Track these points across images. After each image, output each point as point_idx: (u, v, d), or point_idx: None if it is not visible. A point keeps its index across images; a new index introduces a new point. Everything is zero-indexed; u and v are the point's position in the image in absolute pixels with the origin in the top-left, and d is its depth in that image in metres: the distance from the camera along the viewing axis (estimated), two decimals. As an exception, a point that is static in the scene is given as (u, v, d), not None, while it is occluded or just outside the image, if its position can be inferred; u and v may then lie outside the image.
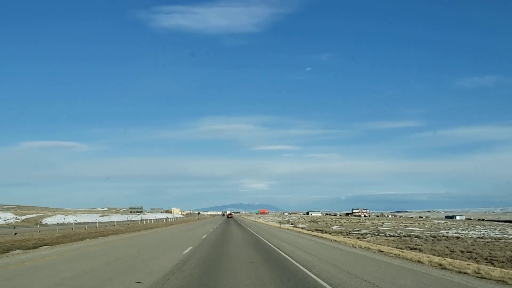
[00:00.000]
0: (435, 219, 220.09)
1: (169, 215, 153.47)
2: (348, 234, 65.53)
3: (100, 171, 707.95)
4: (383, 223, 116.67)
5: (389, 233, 73.35)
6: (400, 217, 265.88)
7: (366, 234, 68.32)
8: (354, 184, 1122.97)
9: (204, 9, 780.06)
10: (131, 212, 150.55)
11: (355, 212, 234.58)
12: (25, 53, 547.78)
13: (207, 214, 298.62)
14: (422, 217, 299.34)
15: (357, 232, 72.65)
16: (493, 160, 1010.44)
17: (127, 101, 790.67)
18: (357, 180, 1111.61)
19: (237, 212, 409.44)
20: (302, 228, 75.57)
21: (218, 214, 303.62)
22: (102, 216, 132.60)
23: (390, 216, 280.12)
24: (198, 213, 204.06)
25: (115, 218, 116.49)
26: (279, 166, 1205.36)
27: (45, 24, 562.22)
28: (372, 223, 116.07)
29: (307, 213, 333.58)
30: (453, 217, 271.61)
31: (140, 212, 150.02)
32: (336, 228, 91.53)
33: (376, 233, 70.44)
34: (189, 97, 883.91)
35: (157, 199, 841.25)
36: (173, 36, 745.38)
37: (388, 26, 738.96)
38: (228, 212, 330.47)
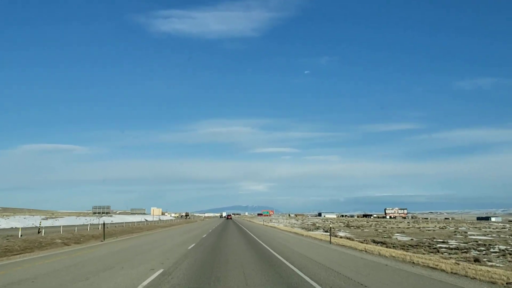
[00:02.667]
0: (466, 222, 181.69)
1: (149, 218, 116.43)
2: (436, 251, 32.49)
3: (99, 174, 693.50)
4: (458, 227, 78.63)
5: (501, 247, 37.61)
6: (426, 219, 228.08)
7: (468, 249, 34.94)
8: (353, 186, 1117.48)
9: (202, 14, 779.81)
10: (94, 213, 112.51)
11: (388, 213, 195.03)
12: (24, 56, 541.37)
13: (203, 216, 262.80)
14: (448, 218, 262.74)
15: (447, 247, 37.11)
16: (491, 162, 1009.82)
17: (126, 104, 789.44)
18: (356, 182, 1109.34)
19: (237, 214, 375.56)
20: (348, 238, 39.83)
21: (216, 216, 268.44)
22: (46, 218, 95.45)
23: (411, 217, 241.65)
24: (186, 215, 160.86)
25: (63, 221, 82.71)
26: (278, 169, 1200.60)
27: (44, 28, 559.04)
28: (441, 227, 77.97)
29: (319, 214, 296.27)
30: (487, 218, 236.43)
31: (107, 213, 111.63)
32: (399, 237, 54.44)
33: (483, 249, 36.09)
34: (188, 100, 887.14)
35: (156, 202, 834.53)
36: (171, 40, 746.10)
37: (386, 30, 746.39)
38: (224, 214, 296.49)
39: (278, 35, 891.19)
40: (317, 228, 79.64)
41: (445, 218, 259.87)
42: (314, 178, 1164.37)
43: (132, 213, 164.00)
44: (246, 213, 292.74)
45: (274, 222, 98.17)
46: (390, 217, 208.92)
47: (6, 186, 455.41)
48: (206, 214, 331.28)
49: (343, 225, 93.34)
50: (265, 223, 79.78)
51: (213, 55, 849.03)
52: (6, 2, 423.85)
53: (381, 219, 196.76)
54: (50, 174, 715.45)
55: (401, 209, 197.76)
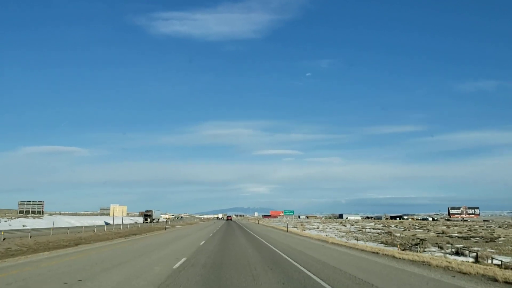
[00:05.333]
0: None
1: (111, 220, 77.69)
2: None
3: (100, 176, 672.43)
4: None
5: None
6: (486, 221, 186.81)
7: None
8: (355, 188, 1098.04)
9: (204, 16, 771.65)
10: (20, 212, 72.56)
11: (454, 214, 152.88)
12: (24, 58, 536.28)
13: (202, 218, 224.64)
14: (488, 220, 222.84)
15: None
16: (495, 164, 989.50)
17: (127, 106, 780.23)
18: (358, 184, 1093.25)
19: (240, 215, 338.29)
20: None
21: (221, 218, 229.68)
22: None
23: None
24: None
25: None
26: (280, 171, 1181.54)
27: (45, 30, 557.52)
28: None
29: (340, 216, 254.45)
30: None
31: (38, 212, 71.63)
32: None
33: None
34: (190, 102, 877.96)
35: (158, 204, 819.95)
36: (173, 42, 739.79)
37: (388, 32, 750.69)
38: (221, 216, 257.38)
39: (279, 37, 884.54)
40: (418, 246, 39.40)
41: (484, 220, 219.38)
42: (315, 180, 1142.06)
43: (101, 214, 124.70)
44: (256, 214, 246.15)
45: (309, 228, 57.62)
46: (441, 219, 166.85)
47: (7, 187, 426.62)
48: (206, 216, 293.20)
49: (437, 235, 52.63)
50: (312, 234, 38.98)
51: (214, 57, 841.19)
52: (5, 4, 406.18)
53: (423, 221, 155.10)
54: (51, 176, 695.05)
55: (470, 208, 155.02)
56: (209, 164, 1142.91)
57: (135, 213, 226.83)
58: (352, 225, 79.48)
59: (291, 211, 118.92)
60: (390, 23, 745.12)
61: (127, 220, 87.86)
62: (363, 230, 57.51)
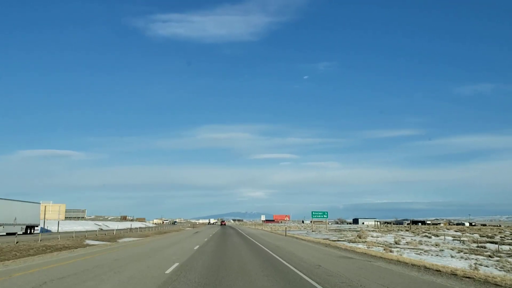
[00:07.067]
0: None
1: (54, 224, 50.56)
2: None
3: (97, 180, 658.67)
4: None
5: None
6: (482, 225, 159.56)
7: None
8: (352, 192, 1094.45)
9: (201, 18, 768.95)
10: None
11: None
12: (21, 61, 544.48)
13: (197, 223, 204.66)
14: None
15: None
16: (493, 169, 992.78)
17: (124, 109, 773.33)
18: (355, 188, 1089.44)
19: (239, 220, 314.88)
20: None
21: (213, 224, 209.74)
22: None
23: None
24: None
25: None
26: (277, 175, 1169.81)
27: (41, 33, 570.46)
28: None
29: (355, 221, 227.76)
30: None
31: None
32: None
33: None
34: (186, 106, 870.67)
35: (154, 209, 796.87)
36: (170, 45, 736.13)
37: (386, 35, 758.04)
38: (213, 221, 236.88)
39: (277, 39, 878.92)
40: None
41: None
42: (313, 185, 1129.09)
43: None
44: (263, 218, 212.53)
45: (385, 245, 30.94)
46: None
47: (4, 191, 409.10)
48: (201, 221, 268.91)
49: None
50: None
51: (211, 60, 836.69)
52: (1, 6, 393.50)
53: (462, 227, 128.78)
54: (48, 179, 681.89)
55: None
56: (206, 168, 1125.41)
57: (130, 217, 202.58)
58: (453, 238, 51.23)
59: (323, 213, 78.94)
60: (388, 26, 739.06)
61: (77, 227, 60.64)
62: (477, 244, 31.07)
